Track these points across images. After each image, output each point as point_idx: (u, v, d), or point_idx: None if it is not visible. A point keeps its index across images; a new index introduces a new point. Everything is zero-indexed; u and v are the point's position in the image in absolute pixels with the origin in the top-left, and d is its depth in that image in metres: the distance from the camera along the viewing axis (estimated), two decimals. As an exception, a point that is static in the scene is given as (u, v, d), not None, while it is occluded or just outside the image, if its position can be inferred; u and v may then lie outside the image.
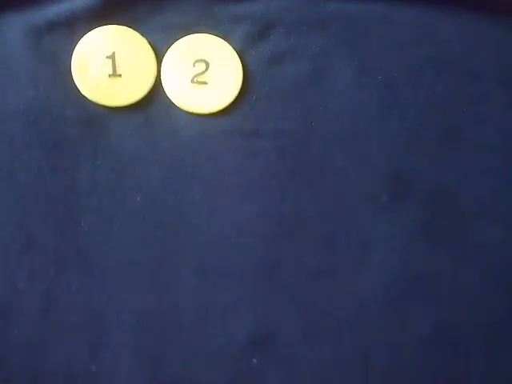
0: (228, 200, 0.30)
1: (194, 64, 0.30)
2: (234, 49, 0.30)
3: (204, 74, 0.30)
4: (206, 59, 0.30)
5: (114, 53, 0.30)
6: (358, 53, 0.31)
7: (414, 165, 0.31)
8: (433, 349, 0.31)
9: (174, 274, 0.30)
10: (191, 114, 0.30)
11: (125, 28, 0.30)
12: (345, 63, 0.31)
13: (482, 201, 0.31)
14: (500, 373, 0.31)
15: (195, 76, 0.30)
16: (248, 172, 0.31)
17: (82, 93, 0.29)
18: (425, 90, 0.31)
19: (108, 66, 0.29)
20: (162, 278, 0.30)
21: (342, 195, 0.31)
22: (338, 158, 0.31)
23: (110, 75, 0.29)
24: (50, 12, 0.30)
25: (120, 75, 0.30)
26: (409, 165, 0.31)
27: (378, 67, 0.31)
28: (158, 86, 0.30)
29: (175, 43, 0.30)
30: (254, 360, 0.30)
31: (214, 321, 0.30)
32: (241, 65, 0.30)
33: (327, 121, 0.31)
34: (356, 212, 0.31)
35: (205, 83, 0.30)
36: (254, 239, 0.30)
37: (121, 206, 0.30)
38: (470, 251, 0.31)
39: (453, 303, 0.31)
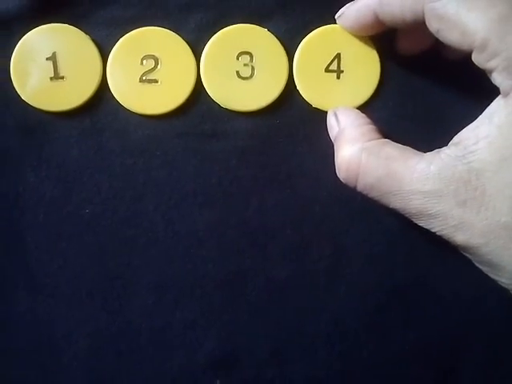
0: (185, 208, 0.28)
1: (142, 61, 0.27)
2: (186, 41, 0.27)
3: (154, 71, 0.27)
4: (156, 55, 0.27)
5: (54, 53, 0.27)
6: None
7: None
8: (414, 364, 0.28)
9: (128, 291, 0.28)
10: (142, 115, 0.28)
11: (65, 26, 0.27)
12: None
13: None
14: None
15: (144, 74, 0.27)
16: (207, 177, 0.28)
17: (23, 98, 0.27)
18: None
19: (49, 67, 0.27)
20: (115, 295, 0.28)
21: (311, 200, 0.28)
22: (307, 158, 0.28)
23: (51, 78, 0.27)
24: (-16, 12, 0.28)
25: (62, 77, 0.27)
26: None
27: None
28: (104, 87, 0.27)
29: (121, 39, 0.27)
30: (218, 382, 0.28)
31: (173, 340, 0.28)
32: (194, 59, 0.28)
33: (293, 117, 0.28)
34: (328, 218, 0.28)
35: (155, 81, 0.27)
36: (216, 251, 0.28)
37: (69, 220, 0.28)
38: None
39: (436, 314, 0.28)
